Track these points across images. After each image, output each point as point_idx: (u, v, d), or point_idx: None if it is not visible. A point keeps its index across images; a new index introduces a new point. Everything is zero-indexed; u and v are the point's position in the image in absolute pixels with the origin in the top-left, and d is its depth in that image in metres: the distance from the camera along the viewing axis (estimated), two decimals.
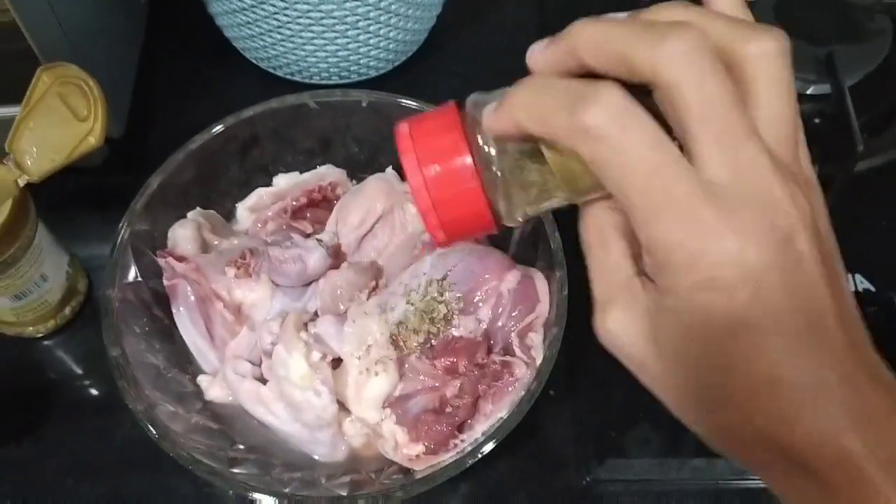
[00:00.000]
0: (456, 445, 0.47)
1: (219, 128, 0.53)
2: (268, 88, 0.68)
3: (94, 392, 0.58)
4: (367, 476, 0.49)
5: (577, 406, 0.56)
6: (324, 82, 0.66)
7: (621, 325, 0.30)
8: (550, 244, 0.50)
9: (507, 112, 0.29)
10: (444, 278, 0.50)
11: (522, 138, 0.29)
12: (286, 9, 0.57)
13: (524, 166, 0.30)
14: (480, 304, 0.50)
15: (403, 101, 0.55)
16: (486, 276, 0.50)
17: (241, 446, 0.49)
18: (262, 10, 0.58)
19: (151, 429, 0.44)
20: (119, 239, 0.49)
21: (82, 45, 0.55)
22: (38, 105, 0.48)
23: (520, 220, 0.32)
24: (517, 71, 0.70)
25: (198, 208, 0.54)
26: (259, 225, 0.56)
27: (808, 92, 0.66)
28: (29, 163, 0.48)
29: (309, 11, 0.57)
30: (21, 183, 0.47)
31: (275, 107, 0.53)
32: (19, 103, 0.52)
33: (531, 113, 0.28)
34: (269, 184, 0.58)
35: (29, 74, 0.49)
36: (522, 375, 0.47)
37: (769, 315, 0.26)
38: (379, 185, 0.56)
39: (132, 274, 0.50)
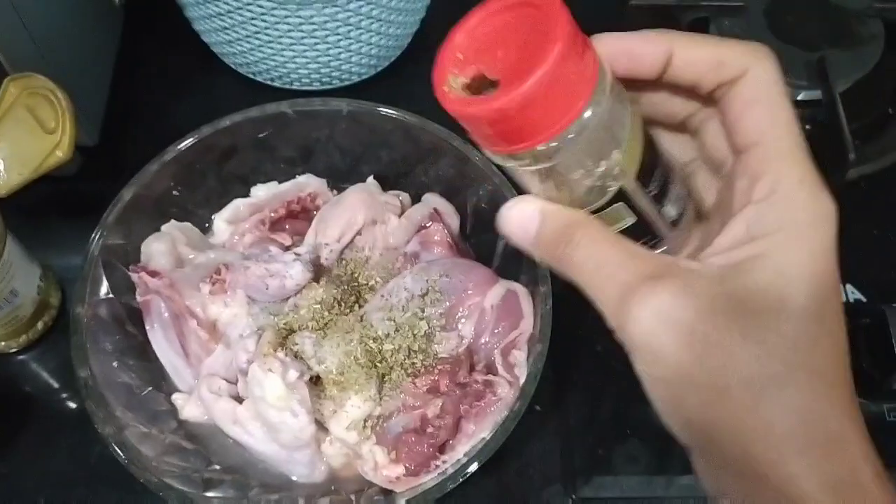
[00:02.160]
0: (437, 466, 0.46)
1: (193, 138, 0.51)
2: (247, 94, 0.67)
3: (69, 406, 0.56)
4: (347, 497, 0.48)
5: (563, 422, 0.55)
6: (304, 88, 0.64)
7: (668, 307, 0.27)
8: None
9: None
10: (425, 294, 0.49)
11: None
12: (263, 14, 0.55)
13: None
14: (463, 321, 0.48)
15: (384, 110, 0.53)
16: (469, 291, 0.49)
17: (217, 466, 0.48)
18: (239, 15, 0.56)
19: (120, 453, 0.43)
20: (90, 253, 0.47)
21: (52, 52, 0.53)
22: (5, 117, 0.46)
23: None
24: None
25: (172, 221, 0.53)
26: (236, 237, 0.54)
27: (799, 98, 0.65)
28: None
29: (287, 17, 0.55)
30: None
31: (253, 116, 0.52)
32: None
33: None
34: (247, 194, 0.57)
35: None
36: (506, 395, 0.46)
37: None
38: (359, 197, 0.54)
39: (104, 289, 0.49)
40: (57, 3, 0.55)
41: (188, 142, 0.51)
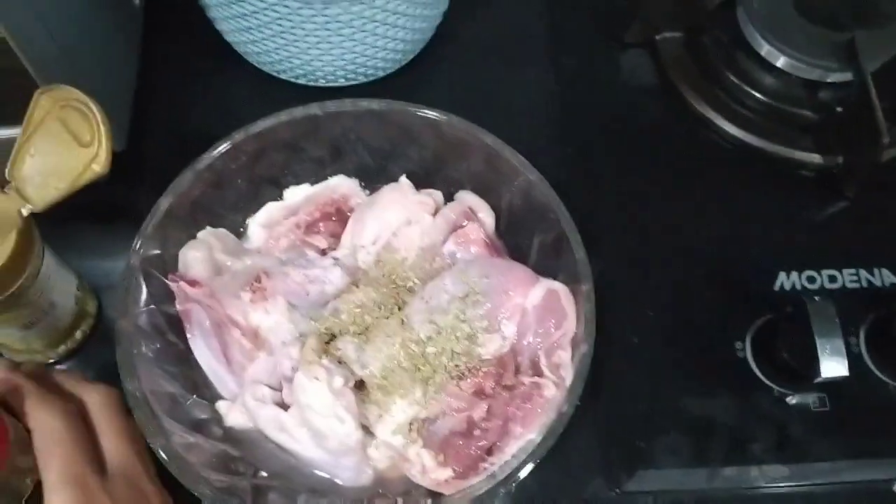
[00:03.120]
0: (485, 469, 0.46)
1: (226, 145, 0.50)
2: (271, 92, 0.66)
3: None
4: (394, 500, 0.48)
5: (603, 415, 0.55)
6: (329, 84, 0.64)
7: None
8: (574, 254, 0.49)
9: None
10: (466, 295, 0.49)
11: None
12: (289, 14, 0.54)
13: None
14: (505, 322, 0.48)
15: (415, 109, 0.53)
16: (510, 292, 0.49)
17: (265, 473, 0.48)
18: (265, 15, 0.55)
19: (172, 464, 0.43)
20: (129, 265, 0.47)
21: (78, 59, 0.52)
22: (38, 130, 0.45)
23: None
24: (528, 59, 0.69)
25: (208, 227, 0.53)
26: (272, 242, 0.54)
27: (829, 80, 0.64)
28: (31, 191, 0.45)
29: (313, 16, 0.55)
30: (24, 213, 0.45)
31: (284, 120, 0.51)
32: (15, 125, 0.51)
33: None
34: (278, 196, 0.57)
35: (22, 92, 0.47)
36: (552, 396, 0.46)
37: None
38: (393, 197, 0.54)
39: (143, 300, 0.48)
40: (79, 8, 0.54)
41: (221, 148, 0.50)
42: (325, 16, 0.55)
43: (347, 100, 0.52)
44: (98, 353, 0.57)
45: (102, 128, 0.45)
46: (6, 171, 0.46)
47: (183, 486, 0.43)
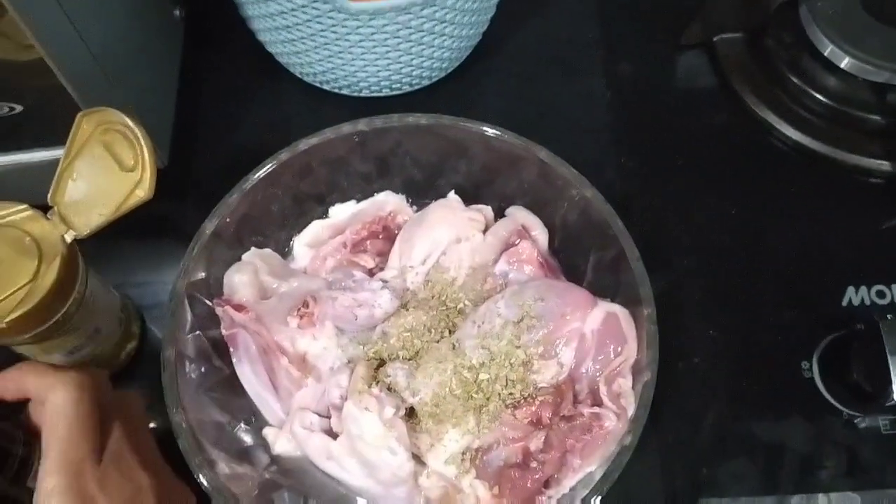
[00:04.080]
0: (543, 502, 0.44)
1: (272, 164, 0.49)
2: (314, 102, 0.64)
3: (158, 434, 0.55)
4: None
5: (663, 440, 0.53)
6: (374, 95, 0.62)
7: None
8: (634, 274, 0.47)
9: None
10: (520, 320, 0.47)
11: None
12: (334, 25, 0.53)
13: None
14: (562, 347, 0.46)
15: (462, 123, 0.51)
16: (567, 315, 0.46)
17: (314, 503, 0.47)
18: (308, 27, 0.54)
19: (218, 499, 0.42)
20: (174, 291, 0.46)
21: (120, 78, 0.51)
22: (81, 154, 0.44)
23: None
24: (577, 65, 0.66)
25: (253, 249, 0.51)
26: (318, 261, 0.52)
27: None
28: (74, 217, 0.44)
29: (359, 27, 0.53)
30: (68, 239, 0.44)
31: (330, 137, 0.50)
32: (56, 146, 0.50)
33: None
34: (323, 212, 0.55)
35: (62, 113, 0.46)
36: (613, 428, 0.43)
37: None
38: (442, 214, 0.52)
39: (189, 325, 0.47)
40: (120, 24, 0.53)
41: (267, 168, 0.49)
42: (371, 27, 0.53)
43: (395, 115, 0.51)
44: (144, 374, 0.56)
45: (146, 152, 0.43)
46: (48, 196, 0.45)
47: None
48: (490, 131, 0.51)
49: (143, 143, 0.43)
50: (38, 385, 0.40)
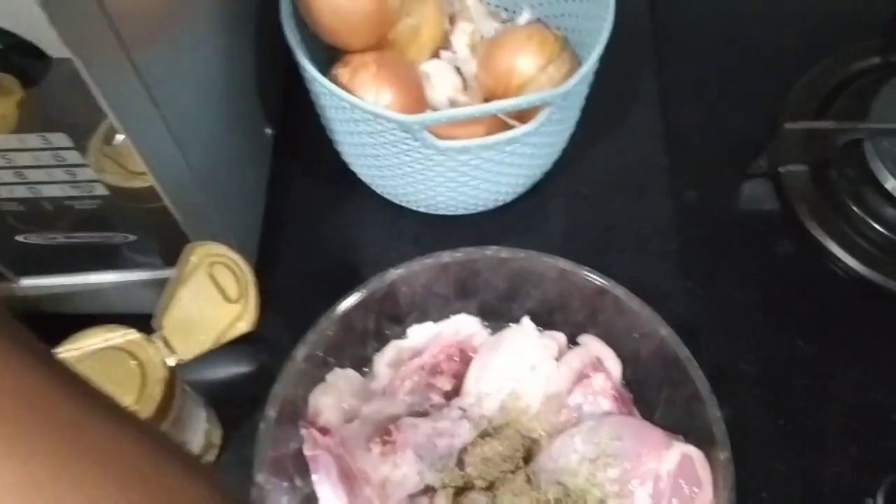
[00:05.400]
0: None
1: (362, 293, 0.52)
2: (391, 217, 0.67)
3: None
4: None
5: None
6: (449, 213, 0.64)
7: None
8: (709, 417, 0.48)
9: None
10: (597, 458, 0.48)
11: None
12: (421, 159, 0.56)
13: None
14: (638, 488, 0.47)
15: (542, 257, 0.53)
16: (643, 456, 0.48)
17: None
18: (396, 158, 0.57)
19: None
20: (266, 418, 0.48)
21: (219, 199, 0.54)
22: (188, 283, 0.47)
23: None
24: (645, 187, 0.68)
25: (336, 369, 0.53)
26: (397, 382, 0.54)
27: None
28: (177, 343, 0.47)
29: (445, 161, 0.56)
30: (170, 363, 0.47)
31: (416, 270, 0.52)
32: (159, 268, 0.53)
33: None
34: (402, 333, 0.57)
35: (167, 239, 0.49)
36: None
37: None
38: (518, 342, 0.54)
39: (274, 450, 0.49)
40: (217, 144, 0.56)
41: (357, 297, 0.51)
42: (457, 160, 0.56)
43: (477, 249, 0.53)
44: (224, 483, 0.57)
45: (251, 287, 0.46)
46: (154, 321, 0.48)
47: None
48: (568, 267, 0.53)
49: (248, 277, 0.46)
50: None
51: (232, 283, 0.47)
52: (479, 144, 0.54)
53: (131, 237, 0.49)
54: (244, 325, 0.46)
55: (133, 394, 0.46)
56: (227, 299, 0.47)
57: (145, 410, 0.46)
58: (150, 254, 0.53)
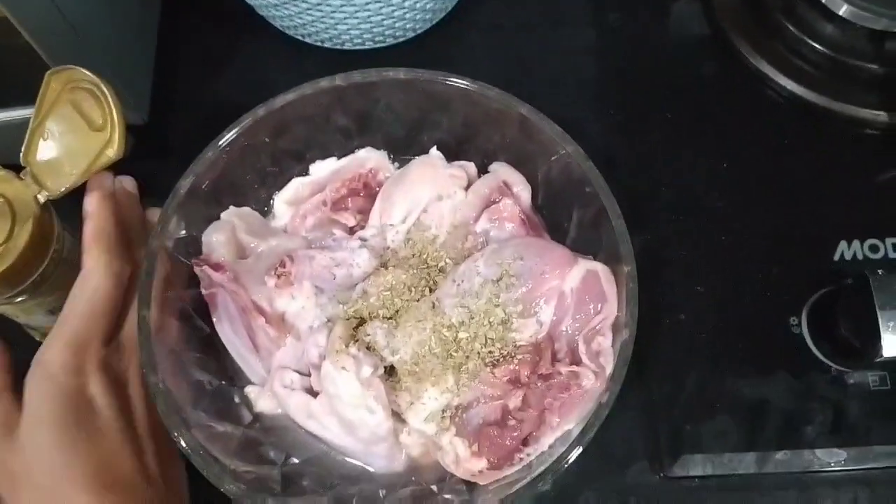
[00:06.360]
0: (521, 459, 0.44)
1: (248, 121, 0.48)
2: (296, 57, 0.63)
3: None
4: (429, 489, 0.46)
5: (647, 397, 0.53)
6: (356, 48, 0.60)
7: None
8: (615, 232, 0.46)
9: None
10: (499, 278, 0.46)
11: None
12: None
13: None
14: (542, 306, 0.46)
15: (442, 77, 0.49)
16: (546, 274, 0.46)
17: (296, 460, 0.47)
18: None
19: (197, 458, 0.42)
20: (149, 251, 0.46)
21: (93, 34, 0.50)
22: (50, 114, 0.44)
23: None
24: (568, 15, 0.64)
25: (231, 207, 0.51)
26: (298, 220, 0.52)
27: None
28: (46, 178, 0.44)
29: None
30: (41, 199, 0.44)
31: (308, 93, 0.48)
32: (26, 105, 0.49)
33: None
34: (302, 170, 0.54)
35: (32, 70, 0.45)
36: (591, 386, 0.43)
37: None
38: (424, 171, 0.51)
39: (166, 285, 0.47)
40: None
41: (243, 125, 0.48)
42: None
43: (373, 70, 0.49)
44: None
45: (115, 111, 0.43)
46: (21, 156, 0.45)
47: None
48: (471, 86, 0.49)
49: (111, 101, 0.43)
50: (87, 259, 0.44)
51: (96, 109, 0.43)
52: None
53: None
54: (112, 153, 0.43)
55: (3, 233, 0.43)
56: (93, 127, 0.43)
57: (17, 249, 0.43)
58: (18, 94, 0.49)
